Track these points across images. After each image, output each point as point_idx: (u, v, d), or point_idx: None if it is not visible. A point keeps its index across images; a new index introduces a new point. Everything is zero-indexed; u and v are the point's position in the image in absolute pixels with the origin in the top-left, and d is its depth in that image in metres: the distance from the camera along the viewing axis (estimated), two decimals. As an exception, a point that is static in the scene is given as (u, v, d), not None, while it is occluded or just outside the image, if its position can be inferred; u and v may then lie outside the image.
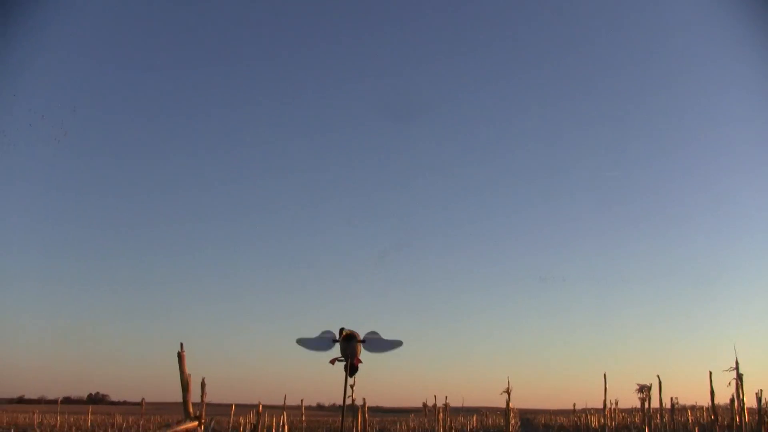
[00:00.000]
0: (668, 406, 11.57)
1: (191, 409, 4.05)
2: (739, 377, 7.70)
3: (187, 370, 4.12)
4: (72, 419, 24.59)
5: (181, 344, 4.08)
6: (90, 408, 21.02)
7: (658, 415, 12.22)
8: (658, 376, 11.03)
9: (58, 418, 22.61)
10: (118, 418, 22.68)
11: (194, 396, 7.79)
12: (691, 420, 16.09)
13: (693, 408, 18.49)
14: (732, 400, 8.08)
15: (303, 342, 8.62)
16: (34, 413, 22.63)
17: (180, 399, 4.22)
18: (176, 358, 4.15)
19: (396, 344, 8.62)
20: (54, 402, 26.43)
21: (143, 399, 16.15)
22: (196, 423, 1.85)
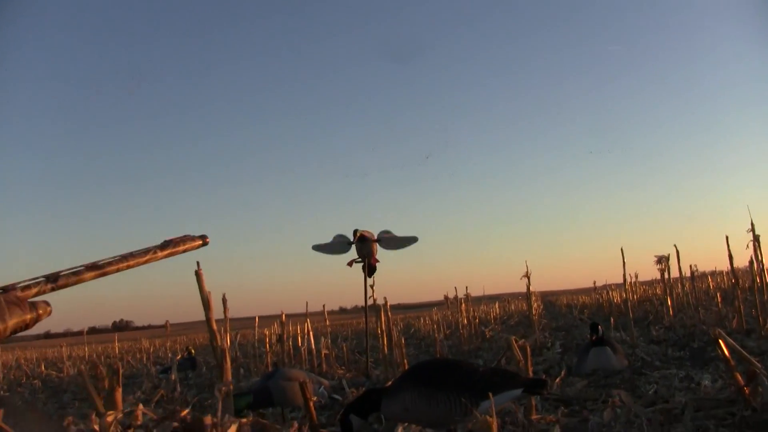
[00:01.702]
0: (688, 274, 11.62)
1: (215, 326, 3.98)
2: (756, 238, 7.61)
3: (207, 287, 4.02)
4: (100, 348, 24.99)
5: (198, 262, 3.98)
6: (116, 335, 21.23)
7: (679, 284, 12.28)
8: (675, 246, 10.97)
9: (86, 349, 22.98)
10: (145, 342, 23.00)
11: (217, 313, 7.78)
12: (712, 286, 16.21)
13: (713, 274, 18.62)
14: (751, 262, 8.02)
15: (319, 247, 8.62)
16: (62, 346, 22.94)
17: (203, 317, 4.21)
18: (194, 277, 4.10)
19: (411, 240, 8.60)
20: (80, 333, 26.82)
21: (167, 321, 16.38)
22: (200, 242, 1.83)
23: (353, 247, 8.36)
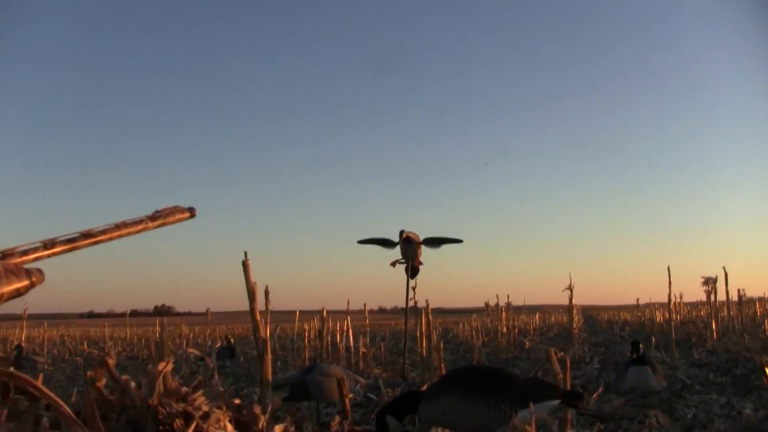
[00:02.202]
0: (735, 298, 11.41)
1: (258, 317, 4.02)
2: (809, 267, 7.50)
3: (252, 278, 4.08)
4: (140, 331, 25.35)
5: (245, 252, 4.03)
6: (157, 320, 21.52)
7: (725, 308, 12.09)
8: (724, 268, 10.80)
9: (128, 330, 23.34)
10: (185, 329, 23.29)
11: (259, 305, 7.86)
12: (760, 312, 15.95)
13: (761, 300, 18.30)
14: (801, 291, 7.91)
15: (365, 241, 8.66)
16: (104, 326, 23.35)
17: (244, 307, 4.26)
18: (239, 268, 4.14)
19: (456, 241, 8.62)
20: (122, 315, 27.23)
21: (208, 309, 16.53)
22: (188, 214, 1.86)
23: (398, 247, 8.40)
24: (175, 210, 1.81)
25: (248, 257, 4.02)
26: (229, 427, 2.43)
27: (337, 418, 4.08)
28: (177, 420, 2.28)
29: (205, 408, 2.41)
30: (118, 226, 1.64)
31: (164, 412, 2.30)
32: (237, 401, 2.58)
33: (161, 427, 2.28)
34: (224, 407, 2.49)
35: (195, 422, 2.31)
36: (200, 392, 2.50)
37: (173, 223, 1.81)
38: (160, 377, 2.37)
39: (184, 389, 2.57)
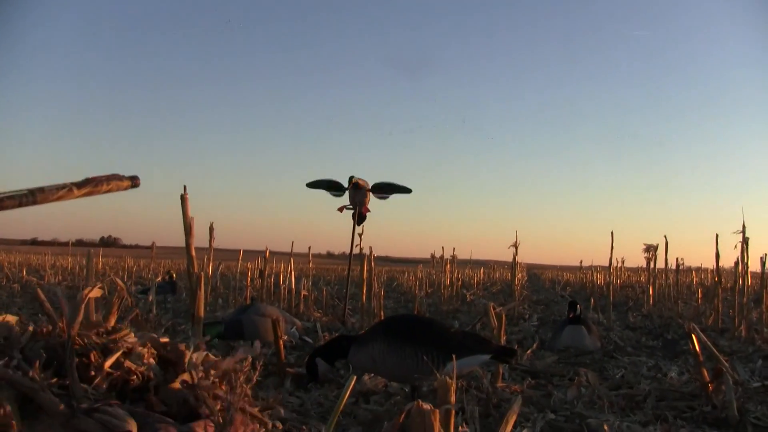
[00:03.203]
0: (673, 266, 11.64)
1: (194, 253, 3.97)
2: (745, 241, 7.62)
3: (193, 214, 4.00)
4: (84, 261, 25.06)
5: (185, 186, 3.95)
6: (101, 251, 21.24)
7: (663, 275, 12.32)
8: (665, 237, 11.00)
9: (70, 260, 23.03)
10: (129, 261, 23.05)
11: (202, 241, 7.76)
12: (695, 281, 16.28)
13: (698, 270, 18.66)
14: (736, 263, 8.04)
15: (313, 184, 8.58)
16: (46, 255, 23.02)
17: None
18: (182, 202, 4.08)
19: (404, 190, 8.58)
20: (66, 244, 26.84)
21: (153, 243, 16.25)
22: (129, 183, 1.82)
23: (346, 193, 8.35)
24: (111, 178, 1.72)
25: (187, 191, 3.96)
26: (152, 362, 2.39)
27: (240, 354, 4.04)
28: (94, 353, 2.23)
29: (128, 344, 2.37)
30: (32, 193, 1.55)
31: (81, 343, 2.24)
32: (164, 340, 2.54)
33: (81, 359, 2.23)
34: (149, 344, 2.45)
35: (114, 357, 2.27)
36: (126, 329, 2.45)
37: (107, 191, 1.73)
38: (83, 307, 2.31)
39: (112, 325, 2.52)
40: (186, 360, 2.45)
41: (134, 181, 1.79)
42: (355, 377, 1.99)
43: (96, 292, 2.50)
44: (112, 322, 2.54)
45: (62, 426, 1.99)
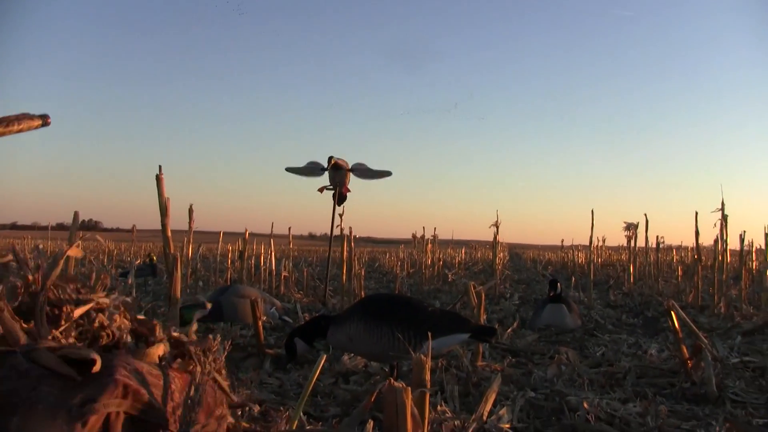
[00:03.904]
0: (654, 245, 11.67)
1: (170, 234, 3.91)
2: (725, 218, 7.65)
3: (172, 195, 3.94)
4: (64, 245, 24.84)
5: (160, 167, 3.88)
6: (81, 234, 21.06)
7: (644, 254, 12.37)
8: (645, 215, 11.04)
9: (50, 244, 22.83)
10: (110, 244, 22.92)
11: (182, 224, 7.70)
12: (676, 259, 16.35)
13: (678, 248, 18.75)
14: (716, 241, 8.07)
15: (292, 170, 8.55)
16: (26, 239, 22.81)
17: (170, 226, 4.13)
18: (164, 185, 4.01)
19: (385, 174, 8.56)
20: (46, 228, 26.63)
21: (134, 226, 16.15)
22: (40, 122, 1.80)
23: (326, 174, 8.31)
24: (21, 117, 1.67)
25: (162, 172, 3.89)
26: (126, 323, 2.33)
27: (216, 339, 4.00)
28: (66, 306, 2.17)
29: (102, 302, 2.30)
30: None
31: (55, 294, 2.18)
32: (140, 317, 2.50)
33: (53, 310, 2.17)
34: (122, 307, 2.39)
35: (86, 307, 2.20)
36: (103, 292, 2.39)
37: (19, 131, 1.68)
38: (61, 261, 2.26)
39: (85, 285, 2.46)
40: (157, 334, 2.39)
41: (45, 120, 1.74)
42: (324, 356, 1.96)
43: (75, 251, 2.45)
44: (92, 280, 2.49)
45: (24, 356, 1.93)
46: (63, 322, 2.12)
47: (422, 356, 1.85)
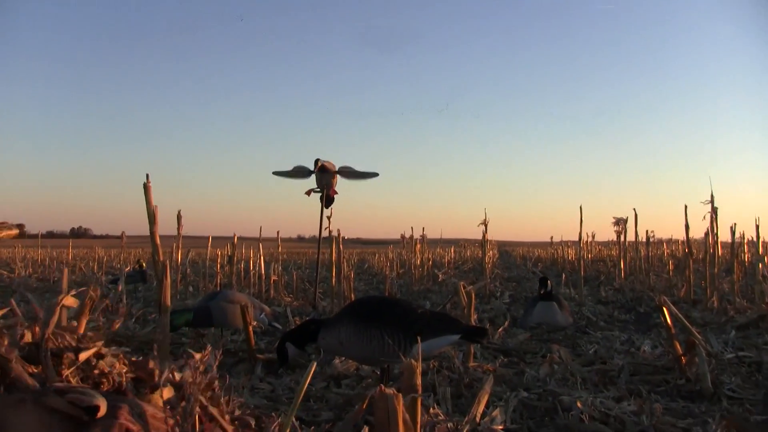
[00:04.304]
0: (644, 239, 11.67)
1: (159, 241, 3.89)
2: (714, 211, 7.64)
3: (161, 201, 3.92)
4: (54, 253, 24.74)
5: (147, 175, 3.86)
6: (71, 242, 20.99)
7: (634, 248, 12.37)
8: (635, 210, 11.05)
9: (40, 252, 22.71)
10: (100, 251, 22.81)
11: (171, 229, 7.64)
12: (666, 253, 16.37)
13: (668, 241, 18.76)
14: (707, 234, 8.06)
15: (280, 173, 8.52)
16: (16, 247, 22.66)
17: (159, 232, 4.11)
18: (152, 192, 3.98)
19: (371, 175, 8.54)
20: (35, 236, 26.51)
21: (123, 232, 16.11)
22: (17, 231, 1.90)
23: (313, 176, 8.28)
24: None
25: (150, 180, 3.86)
26: (124, 370, 2.35)
27: (208, 348, 3.99)
28: (66, 353, 2.23)
29: (102, 349, 2.35)
30: None
31: (55, 343, 2.25)
32: (134, 359, 2.51)
33: (54, 358, 2.23)
34: (121, 355, 2.42)
35: (89, 352, 2.26)
36: (99, 338, 2.43)
37: None
38: (57, 310, 2.31)
39: (83, 325, 2.51)
40: (156, 378, 2.41)
41: (21, 229, 1.80)
42: (315, 363, 1.93)
43: (71, 301, 2.50)
44: (83, 322, 2.56)
45: (33, 402, 1.99)
46: (65, 368, 2.19)
47: (413, 360, 1.82)
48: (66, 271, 4.15)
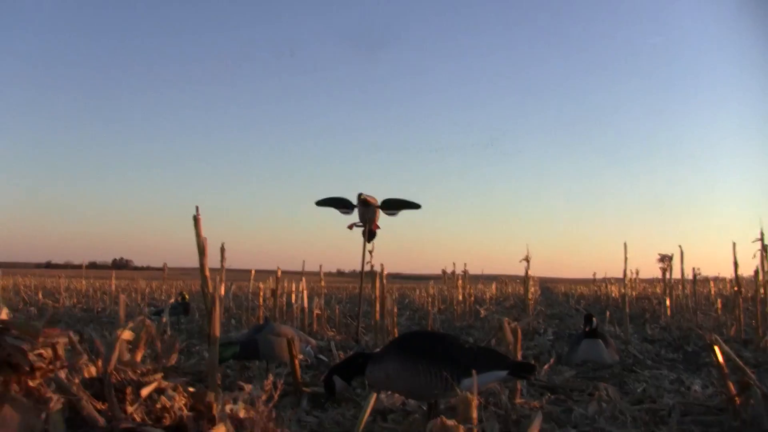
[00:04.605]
0: (690, 276, 11.51)
1: (208, 273, 3.91)
2: (765, 249, 7.54)
3: (205, 234, 3.95)
4: (97, 284, 25.06)
5: (197, 207, 3.90)
6: (114, 273, 21.25)
7: (680, 286, 12.20)
8: (680, 246, 10.91)
9: (84, 282, 23.03)
10: (142, 283, 23.06)
11: (214, 262, 7.70)
12: (713, 291, 16.11)
13: (715, 279, 18.46)
14: (756, 272, 7.94)
15: (323, 202, 8.56)
16: (60, 278, 23.00)
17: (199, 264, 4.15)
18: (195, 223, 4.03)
19: (414, 205, 8.54)
20: (79, 267, 26.88)
21: (165, 264, 16.27)
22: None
23: (356, 211, 8.32)
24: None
25: (200, 212, 3.91)
26: (184, 406, 2.38)
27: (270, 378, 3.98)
28: (129, 387, 2.27)
29: (162, 383, 2.39)
30: None
31: (118, 377, 2.29)
32: (191, 389, 2.54)
33: (117, 393, 2.27)
34: (179, 387, 2.45)
35: (151, 387, 2.30)
36: (158, 370, 2.47)
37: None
38: (117, 346, 2.37)
39: (140, 359, 2.56)
40: (214, 411, 2.44)
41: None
42: (375, 395, 1.93)
43: (127, 335, 2.56)
44: (140, 356, 2.60)
45: None
46: (129, 405, 2.24)
47: (468, 393, 1.81)
48: (123, 299, 4.20)
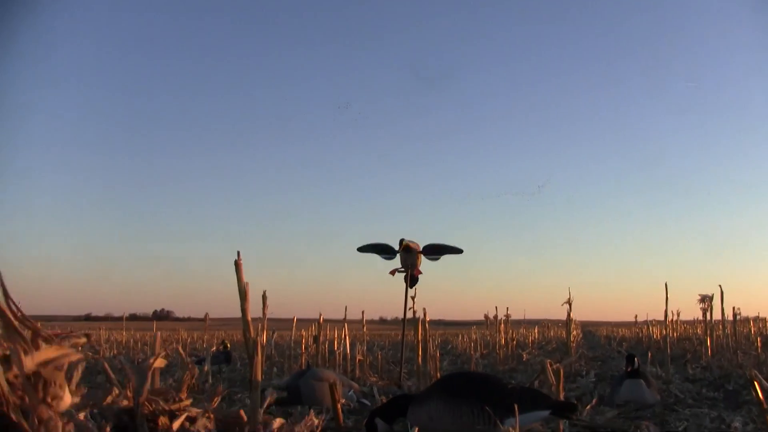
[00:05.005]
0: (730, 316, 11.42)
1: (249, 318, 4.04)
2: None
3: (247, 280, 4.07)
4: (138, 335, 25.34)
5: (238, 252, 4.02)
6: (155, 324, 21.50)
7: (720, 326, 12.10)
8: (720, 286, 10.84)
9: (124, 334, 23.30)
10: (183, 333, 23.28)
11: (256, 311, 7.86)
12: (754, 331, 15.92)
13: (756, 319, 18.22)
14: (797, 310, 7.93)
15: (365, 248, 8.67)
16: (100, 329, 23.28)
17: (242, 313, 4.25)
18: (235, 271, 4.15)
19: (457, 250, 8.62)
20: (119, 319, 27.18)
21: (207, 314, 16.43)
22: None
23: (398, 256, 8.42)
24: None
25: (241, 257, 4.04)
26: (212, 426, 2.46)
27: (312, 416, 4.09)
28: (161, 417, 2.33)
29: (192, 412, 2.45)
30: None
31: (150, 408, 2.34)
32: (215, 400, 2.62)
33: (149, 424, 2.33)
34: (209, 412, 2.53)
35: (181, 419, 2.35)
36: (188, 398, 2.54)
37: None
38: (149, 375, 2.42)
39: (174, 394, 2.62)
40: (246, 428, 2.52)
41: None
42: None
43: (160, 362, 2.60)
44: (185, 395, 2.65)
45: None
46: None
47: (511, 430, 1.91)
48: (159, 335, 4.34)
